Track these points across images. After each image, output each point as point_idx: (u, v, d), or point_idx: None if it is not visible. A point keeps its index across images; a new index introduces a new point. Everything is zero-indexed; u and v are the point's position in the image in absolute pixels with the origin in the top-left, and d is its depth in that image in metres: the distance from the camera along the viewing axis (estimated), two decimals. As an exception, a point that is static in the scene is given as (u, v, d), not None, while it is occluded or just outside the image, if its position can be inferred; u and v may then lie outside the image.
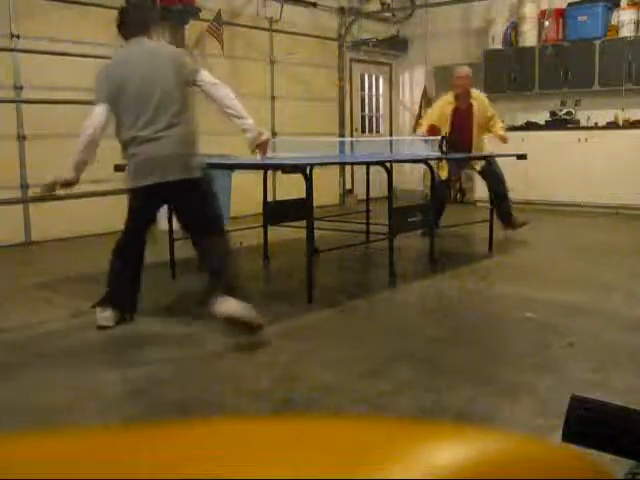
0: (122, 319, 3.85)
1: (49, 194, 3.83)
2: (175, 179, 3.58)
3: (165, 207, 4.38)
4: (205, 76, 3.70)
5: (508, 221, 6.79)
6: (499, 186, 6.69)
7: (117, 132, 3.69)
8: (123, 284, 3.84)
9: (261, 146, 3.86)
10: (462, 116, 6.65)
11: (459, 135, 6.58)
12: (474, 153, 6.71)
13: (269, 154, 6.03)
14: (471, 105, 6.66)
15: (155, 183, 3.58)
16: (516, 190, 9.08)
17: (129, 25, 3.69)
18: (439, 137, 6.01)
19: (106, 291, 3.85)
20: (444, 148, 5.76)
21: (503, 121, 7.01)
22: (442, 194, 6.88)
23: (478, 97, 6.74)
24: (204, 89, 3.69)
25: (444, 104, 6.78)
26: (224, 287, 3.55)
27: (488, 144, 6.88)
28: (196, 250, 3.82)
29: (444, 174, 6.72)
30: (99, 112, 3.60)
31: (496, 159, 6.65)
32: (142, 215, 3.82)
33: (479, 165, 6.74)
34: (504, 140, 6.66)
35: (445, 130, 6.61)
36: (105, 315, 3.78)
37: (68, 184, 3.71)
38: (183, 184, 3.60)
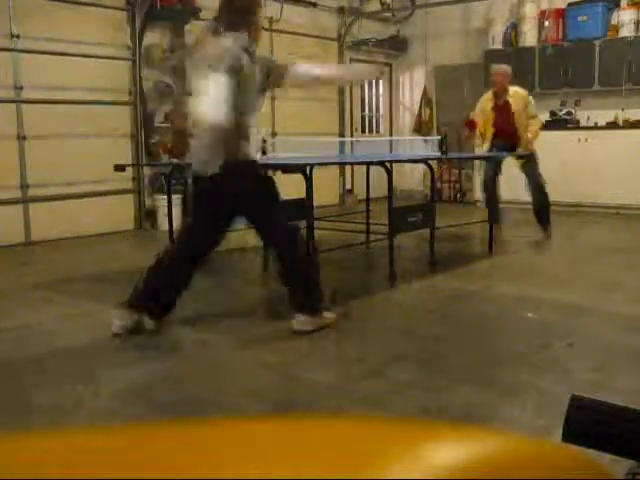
0: (138, 329, 3.64)
1: None
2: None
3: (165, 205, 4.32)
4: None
5: (544, 225, 6.78)
6: (536, 189, 6.73)
7: None
8: (165, 285, 3.69)
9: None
10: (501, 113, 6.73)
11: (502, 131, 6.70)
12: (520, 150, 6.73)
13: (269, 154, 6.05)
14: (507, 102, 6.69)
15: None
16: (516, 190, 9.10)
17: (223, 15, 3.55)
18: (439, 137, 6.01)
19: (138, 297, 3.64)
20: (444, 148, 5.77)
21: (542, 125, 6.93)
22: (489, 193, 6.93)
23: (515, 94, 6.75)
24: None
25: (485, 101, 6.90)
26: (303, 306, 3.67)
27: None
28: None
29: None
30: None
31: (537, 162, 6.67)
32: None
33: (524, 149, 6.69)
34: (528, 144, 6.67)
35: (489, 128, 6.74)
36: (120, 324, 3.60)
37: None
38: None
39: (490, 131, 6.75)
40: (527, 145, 6.66)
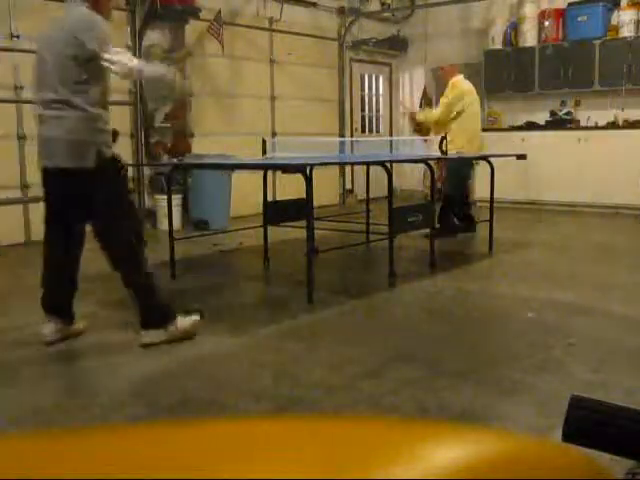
0: (67, 335, 3.54)
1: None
2: (64, 166, 3.20)
3: (165, 205, 4.25)
4: (112, 57, 3.12)
5: (443, 227, 6.62)
6: (449, 187, 6.75)
7: None
8: (50, 288, 3.50)
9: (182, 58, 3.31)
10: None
11: None
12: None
13: (269, 154, 6.05)
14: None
15: (47, 167, 3.28)
16: (516, 190, 9.12)
17: None
18: (439, 137, 6.01)
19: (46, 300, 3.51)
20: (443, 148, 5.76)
21: (437, 113, 6.92)
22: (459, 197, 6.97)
23: (451, 84, 6.90)
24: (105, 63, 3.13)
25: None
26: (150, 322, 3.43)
27: (458, 141, 6.59)
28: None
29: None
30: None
31: (475, 167, 6.74)
32: (48, 204, 3.46)
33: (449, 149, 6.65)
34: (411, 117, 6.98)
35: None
36: (45, 332, 3.45)
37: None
38: (74, 175, 3.20)
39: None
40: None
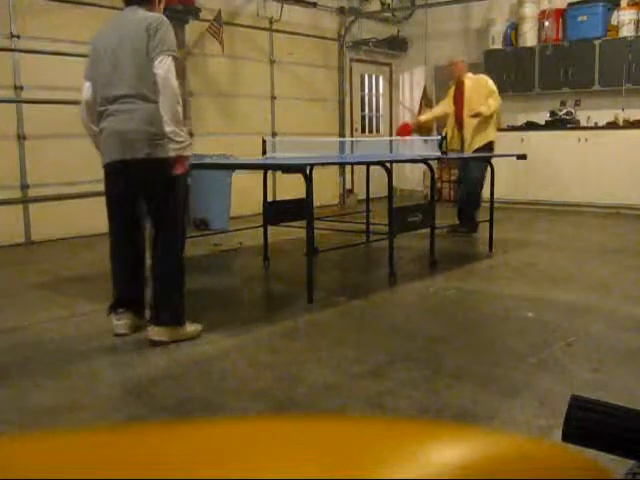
0: (139, 327, 3.67)
1: None
2: (138, 157, 3.29)
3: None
4: (158, 64, 3.21)
5: (464, 224, 6.80)
6: (471, 186, 6.74)
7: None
8: (123, 283, 3.66)
9: (178, 161, 3.33)
10: (457, 95, 7.08)
11: (457, 115, 7.03)
12: (466, 137, 6.87)
13: (269, 154, 6.05)
14: (462, 82, 7.01)
15: (117, 160, 3.35)
16: (516, 190, 9.12)
17: None
18: (439, 137, 6.01)
19: (115, 296, 3.68)
20: (444, 148, 5.77)
21: (497, 103, 6.88)
22: (461, 192, 7.00)
23: (474, 77, 7.03)
24: (156, 78, 3.23)
25: (450, 92, 7.26)
26: (167, 317, 3.48)
27: (492, 133, 6.88)
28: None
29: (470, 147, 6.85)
30: (84, 89, 3.49)
31: (485, 162, 6.68)
32: (112, 197, 3.55)
33: (468, 150, 6.81)
34: (475, 114, 6.76)
35: (452, 115, 7.07)
36: (121, 323, 3.62)
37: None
38: (146, 165, 3.30)
39: (452, 120, 7.10)
40: (480, 130, 6.80)
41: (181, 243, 3.51)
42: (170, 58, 3.23)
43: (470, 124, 6.86)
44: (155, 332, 3.47)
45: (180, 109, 3.26)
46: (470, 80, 7.01)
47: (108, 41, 3.38)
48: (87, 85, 3.48)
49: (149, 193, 3.45)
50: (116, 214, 3.57)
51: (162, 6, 3.57)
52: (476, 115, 6.68)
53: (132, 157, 3.31)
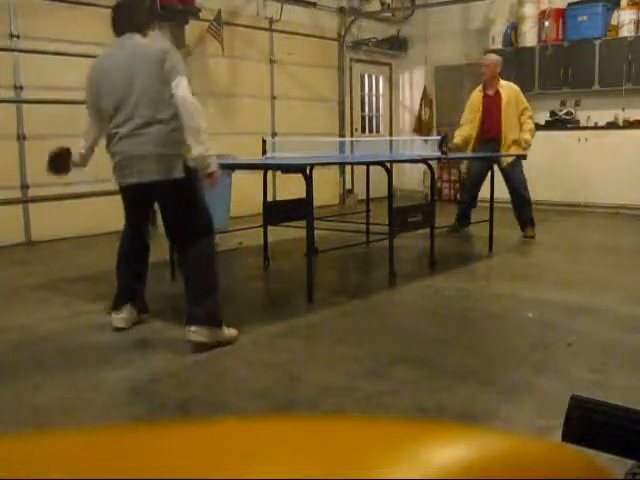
0: (138, 321, 3.82)
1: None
2: (155, 179, 3.39)
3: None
4: (179, 86, 3.32)
5: (524, 227, 6.82)
6: (517, 187, 6.70)
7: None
8: (129, 281, 3.79)
9: (209, 179, 3.45)
10: (490, 103, 6.69)
11: (489, 123, 6.67)
12: (503, 148, 6.69)
13: (269, 154, 6.05)
14: (498, 92, 6.68)
15: (133, 184, 3.47)
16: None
17: (119, 21, 3.52)
18: (439, 137, 6.01)
19: (116, 292, 3.81)
20: (444, 148, 5.75)
21: (532, 119, 6.78)
22: (467, 195, 6.97)
23: (507, 86, 6.73)
24: (174, 100, 3.34)
25: (474, 94, 6.91)
26: (203, 317, 3.45)
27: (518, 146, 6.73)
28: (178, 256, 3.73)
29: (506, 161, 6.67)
30: (87, 123, 3.62)
31: (522, 162, 6.65)
32: (128, 214, 3.76)
33: (508, 160, 6.63)
34: (522, 147, 6.61)
35: (477, 121, 6.72)
36: (120, 317, 3.74)
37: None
38: (162, 185, 3.41)
39: (477, 126, 6.75)
40: (521, 145, 6.66)
41: (210, 243, 3.55)
42: (185, 78, 3.35)
43: (508, 140, 6.63)
44: (195, 333, 3.41)
45: (205, 124, 3.33)
46: (505, 89, 6.65)
47: (117, 69, 3.43)
48: (90, 116, 3.60)
49: (169, 211, 3.58)
50: (131, 224, 3.77)
51: (151, 30, 3.65)
52: (525, 148, 6.55)
53: (149, 180, 3.40)
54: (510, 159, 6.63)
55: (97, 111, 3.54)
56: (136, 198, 3.61)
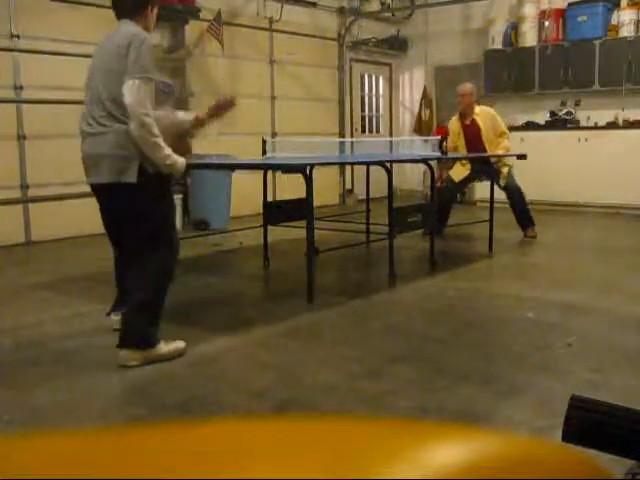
0: None
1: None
2: (105, 182, 3.18)
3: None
4: (127, 88, 3.02)
5: (525, 228, 6.86)
6: (513, 194, 6.75)
7: None
8: (120, 284, 3.68)
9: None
10: (470, 132, 6.83)
11: (475, 148, 6.78)
12: (497, 168, 6.76)
13: (269, 154, 6.05)
14: (474, 120, 6.80)
15: (93, 184, 3.31)
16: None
17: (115, 5, 3.29)
18: (439, 137, 6.01)
19: (116, 295, 3.72)
20: (444, 148, 5.75)
21: (508, 140, 6.93)
22: (450, 196, 6.96)
23: (482, 112, 6.86)
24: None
25: (453, 123, 7.02)
26: (140, 340, 3.21)
27: (507, 165, 6.85)
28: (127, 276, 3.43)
29: (458, 177, 6.76)
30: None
31: (513, 172, 6.70)
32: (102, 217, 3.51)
33: (503, 181, 6.74)
34: (504, 150, 6.73)
35: (462, 148, 6.84)
36: (119, 319, 3.60)
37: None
38: (115, 189, 3.17)
39: (464, 152, 6.85)
40: (501, 166, 6.74)
41: (158, 261, 3.24)
42: (140, 82, 3.01)
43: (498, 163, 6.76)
44: (124, 358, 3.19)
45: (153, 139, 3.04)
46: (480, 116, 6.79)
47: (95, 58, 3.27)
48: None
49: (119, 219, 3.32)
50: (108, 230, 3.51)
51: (155, 13, 3.46)
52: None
53: (100, 182, 3.22)
54: (506, 175, 6.70)
55: None
56: (98, 200, 3.41)
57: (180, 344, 3.38)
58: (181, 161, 3.19)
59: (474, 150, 6.77)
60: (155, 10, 3.47)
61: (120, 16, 3.28)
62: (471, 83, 7.01)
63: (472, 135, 6.80)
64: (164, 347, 3.29)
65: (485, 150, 6.75)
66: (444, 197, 6.71)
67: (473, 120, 6.80)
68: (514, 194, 6.77)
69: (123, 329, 3.26)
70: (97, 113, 3.13)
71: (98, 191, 3.33)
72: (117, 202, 3.25)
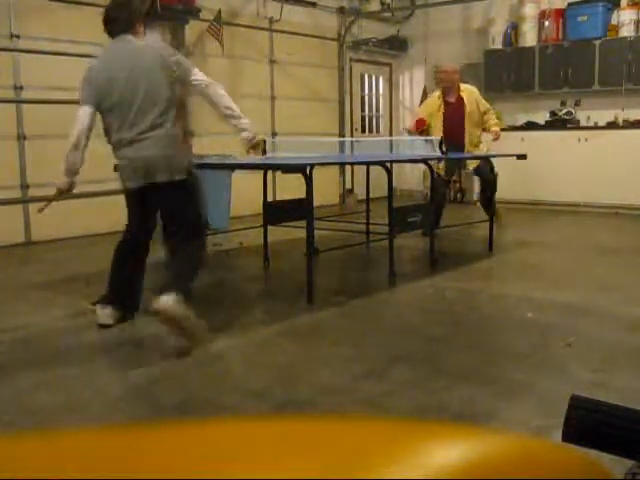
0: (123, 318, 3.83)
1: (54, 199, 3.87)
2: (160, 181, 3.53)
3: None
4: (199, 75, 3.61)
5: (492, 212, 6.78)
6: (490, 187, 6.69)
7: (105, 134, 3.67)
8: (122, 282, 3.82)
9: (256, 147, 3.80)
10: (453, 110, 6.68)
11: (451, 130, 6.61)
12: (468, 150, 6.71)
13: (268, 154, 6.04)
14: (461, 98, 6.69)
15: (142, 185, 3.57)
16: (516, 190, 9.12)
17: (113, 22, 3.59)
18: (439, 137, 6.00)
19: (106, 289, 3.84)
20: (444, 148, 5.75)
21: (498, 117, 6.92)
22: (441, 194, 6.93)
23: (467, 89, 6.76)
24: (198, 89, 3.63)
25: (433, 100, 6.89)
26: (180, 291, 3.36)
27: (485, 142, 6.85)
28: (165, 249, 3.81)
29: (442, 170, 6.74)
30: (83, 114, 3.54)
31: (492, 160, 6.63)
32: (134, 216, 3.82)
33: (473, 164, 6.71)
34: (496, 136, 6.64)
35: (437, 129, 6.65)
36: (105, 312, 3.77)
37: (66, 191, 3.76)
38: (167, 185, 3.55)
39: (437, 134, 6.72)
40: (478, 144, 6.68)
41: (202, 244, 3.74)
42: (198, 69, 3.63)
43: (472, 144, 6.68)
44: (168, 300, 3.24)
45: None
46: (466, 94, 6.68)
47: (120, 71, 3.50)
48: (88, 110, 3.55)
49: (169, 210, 3.72)
50: (135, 227, 3.83)
51: (142, 29, 3.73)
52: (496, 139, 6.57)
53: (157, 181, 3.53)
54: (474, 163, 6.65)
55: (95, 111, 3.57)
56: (143, 200, 3.68)
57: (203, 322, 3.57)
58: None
59: (450, 131, 6.57)
60: (142, 26, 3.76)
61: (118, 32, 3.59)
62: (453, 63, 6.98)
63: (453, 114, 6.64)
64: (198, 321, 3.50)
65: (463, 131, 6.64)
66: (437, 195, 6.72)
67: (458, 98, 6.67)
68: (488, 179, 6.65)
69: (169, 278, 3.50)
70: (142, 118, 3.48)
71: (147, 192, 3.61)
72: (170, 197, 3.61)
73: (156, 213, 3.85)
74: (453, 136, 6.56)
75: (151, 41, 3.75)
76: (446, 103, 6.74)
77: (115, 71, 3.50)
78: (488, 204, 6.71)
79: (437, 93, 6.88)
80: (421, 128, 6.77)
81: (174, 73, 3.54)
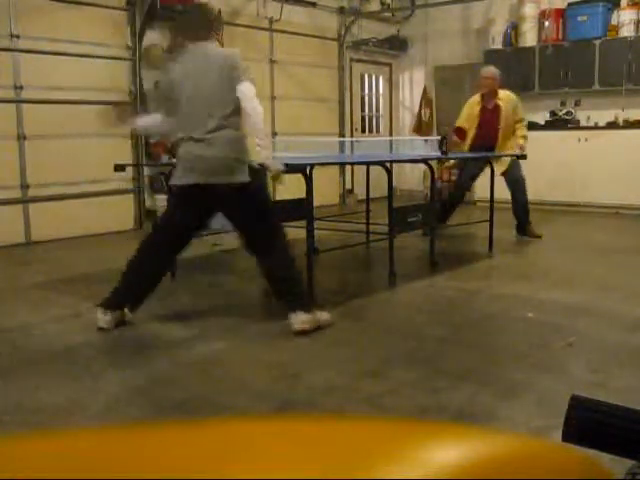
0: (123, 322, 3.80)
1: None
2: (219, 182, 3.56)
3: (165, 205, 4.31)
4: (245, 88, 3.61)
5: (522, 229, 6.80)
6: (518, 193, 6.69)
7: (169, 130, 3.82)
8: (136, 284, 3.80)
9: (277, 179, 3.84)
10: (489, 115, 6.70)
11: (485, 134, 6.66)
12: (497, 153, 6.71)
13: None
14: (498, 105, 6.69)
15: (196, 183, 3.59)
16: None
17: (188, 30, 3.77)
18: (439, 137, 6.00)
19: (113, 290, 3.79)
20: (444, 148, 5.75)
21: (526, 127, 6.85)
22: (467, 187, 7.01)
23: (506, 97, 6.74)
24: (240, 101, 3.63)
25: (472, 105, 6.88)
26: (300, 302, 3.67)
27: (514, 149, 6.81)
28: (257, 263, 3.84)
29: (500, 169, 6.63)
30: (158, 120, 3.82)
31: (520, 163, 6.63)
32: (176, 215, 3.80)
33: (502, 167, 6.64)
34: (521, 151, 6.61)
35: (472, 129, 6.73)
36: (106, 319, 3.73)
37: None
38: (228, 189, 3.57)
39: (472, 134, 6.78)
40: (516, 149, 6.67)
41: (281, 238, 3.77)
42: (251, 83, 3.64)
43: (503, 149, 6.70)
44: (298, 320, 3.63)
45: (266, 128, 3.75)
46: (504, 102, 6.67)
47: (193, 76, 3.63)
48: (159, 117, 3.79)
49: (239, 217, 3.74)
50: (174, 226, 3.78)
51: (219, 37, 3.93)
52: (522, 150, 6.55)
53: (214, 182, 3.57)
54: (506, 165, 6.63)
55: (167, 111, 3.72)
56: (193, 199, 3.68)
57: (326, 315, 3.80)
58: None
59: (483, 137, 6.64)
60: (219, 35, 3.98)
61: (198, 39, 3.71)
62: (494, 67, 6.89)
63: (489, 120, 6.65)
64: (320, 315, 3.74)
65: (496, 138, 6.65)
66: (459, 190, 6.77)
67: (496, 104, 6.67)
68: (515, 191, 6.69)
69: (287, 300, 3.71)
70: (208, 119, 3.57)
71: (200, 191, 3.61)
72: (233, 202, 3.65)
73: (200, 218, 3.84)
74: (485, 141, 6.64)
75: (218, 47, 3.86)
76: (484, 108, 6.74)
77: (186, 74, 3.63)
78: (520, 214, 6.73)
79: (477, 98, 6.84)
80: (463, 138, 6.83)
81: (233, 78, 3.61)
